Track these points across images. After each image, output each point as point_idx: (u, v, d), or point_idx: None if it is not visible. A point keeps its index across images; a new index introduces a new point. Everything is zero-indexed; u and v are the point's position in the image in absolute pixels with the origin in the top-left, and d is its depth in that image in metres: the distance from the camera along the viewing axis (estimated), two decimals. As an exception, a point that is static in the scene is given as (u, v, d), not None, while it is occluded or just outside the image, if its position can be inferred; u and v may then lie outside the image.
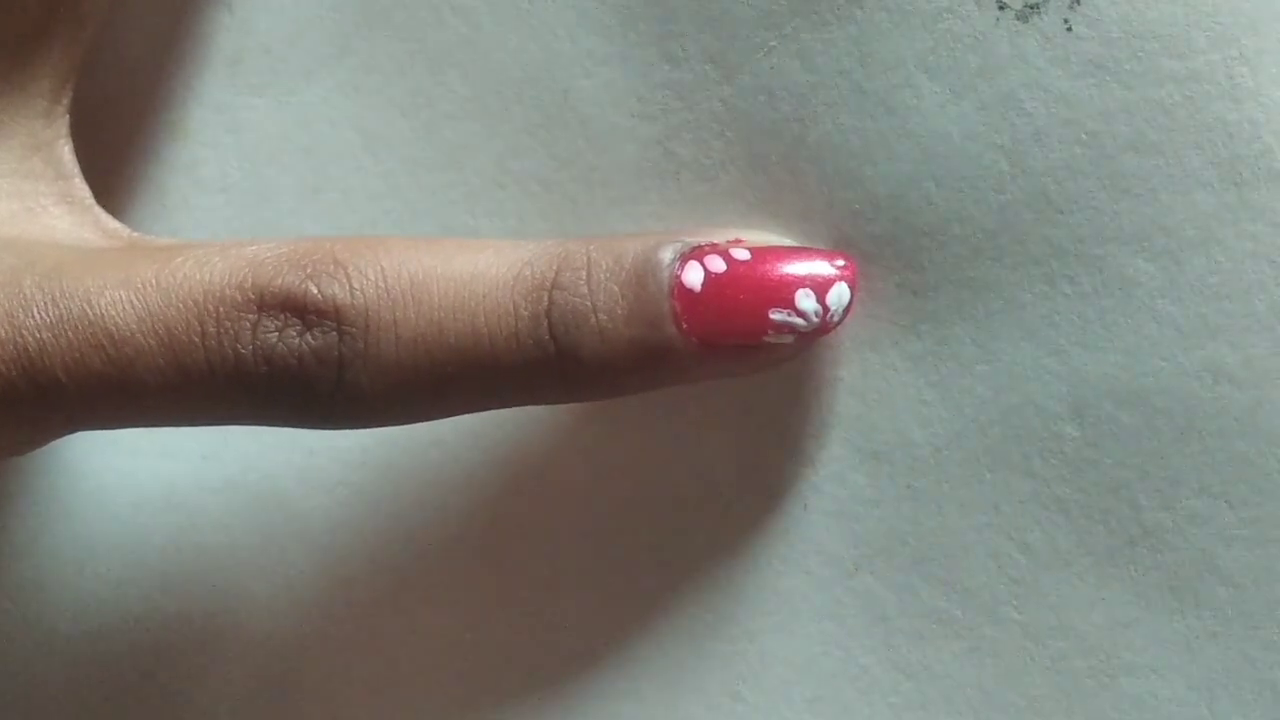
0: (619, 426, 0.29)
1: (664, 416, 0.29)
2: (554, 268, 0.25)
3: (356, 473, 0.31)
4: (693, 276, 0.25)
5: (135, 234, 0.27)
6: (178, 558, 0.32)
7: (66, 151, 0.27)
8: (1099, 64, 0.25)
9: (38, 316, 0.24)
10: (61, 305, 0.24)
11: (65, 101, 0.27)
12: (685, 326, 0.25)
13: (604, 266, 0.25)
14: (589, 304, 0.25)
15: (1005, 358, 0.26)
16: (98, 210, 0.27)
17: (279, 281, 0.25)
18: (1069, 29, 0.25)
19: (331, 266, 0.25)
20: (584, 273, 0.25)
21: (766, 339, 0.25)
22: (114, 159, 0.30)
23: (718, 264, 0.25)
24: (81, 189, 0.27)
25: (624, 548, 0.29)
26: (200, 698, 0.33)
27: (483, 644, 0.31)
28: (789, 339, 0.25)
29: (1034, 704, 0.26)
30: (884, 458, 0.27)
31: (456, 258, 0.25)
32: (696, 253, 0.25)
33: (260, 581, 0.32)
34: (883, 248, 0.26)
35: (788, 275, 0.25)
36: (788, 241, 0.27)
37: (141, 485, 0.31)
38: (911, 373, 0.27)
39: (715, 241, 0.26)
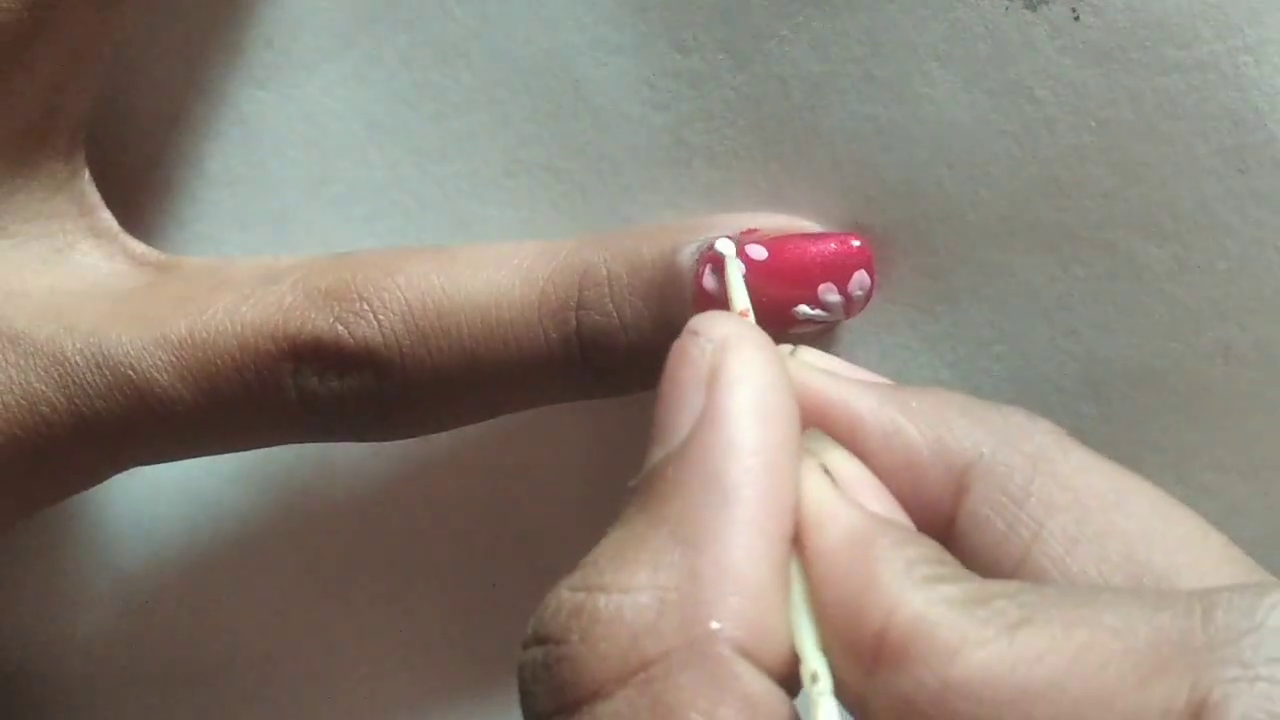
0: (632, 409, 0.30)
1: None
2: (575, 284, 0.26)
3: (372, 461, 0.31)
4: (713, 281, 0.25)
5: (163, 256, 0.28)
6: (193, 546, 0.32)
7: (88, 185, 0.28)
8: (1106, 53, 0.25)
9: (88, 386, 0.25)
10: (107, 372, 0.25)
11: (81, 137, 0.27)
12: None
13: (624, 280, 0.26)
14: (616, 322, 0.26)
15: (1020, 338, 0.27)
16: (125, 238, 0.28)
17: (309, 328, 0.25)
18: (1076, 18, 0.26)
19: (357, 304, 0.26)
20: (606, 289, 0.26)
21: (791, 331, 0.26)
22: (120, 155, 0.29)
23: None
24: (107, 220, 0.28)
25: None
26: (216, 683, 0.33)
27: (501, 628, 0.31)
28: (814, 329, 0.26)
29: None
30: (902, 436, 0.28)
31: (476, 279, 0.26)
32: (714, 254, 0.26)
33: (277, 569, 0.32)
34: (897, 233, 0.27)
35: (808, 271, 0.26)
36: (802, 224, 0.27)
37: (157, 476, 0.31)
38: (928, 354, 0.27)
39: (730, 236, 0.26)
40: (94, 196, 0.28)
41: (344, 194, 0.30)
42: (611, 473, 0.30)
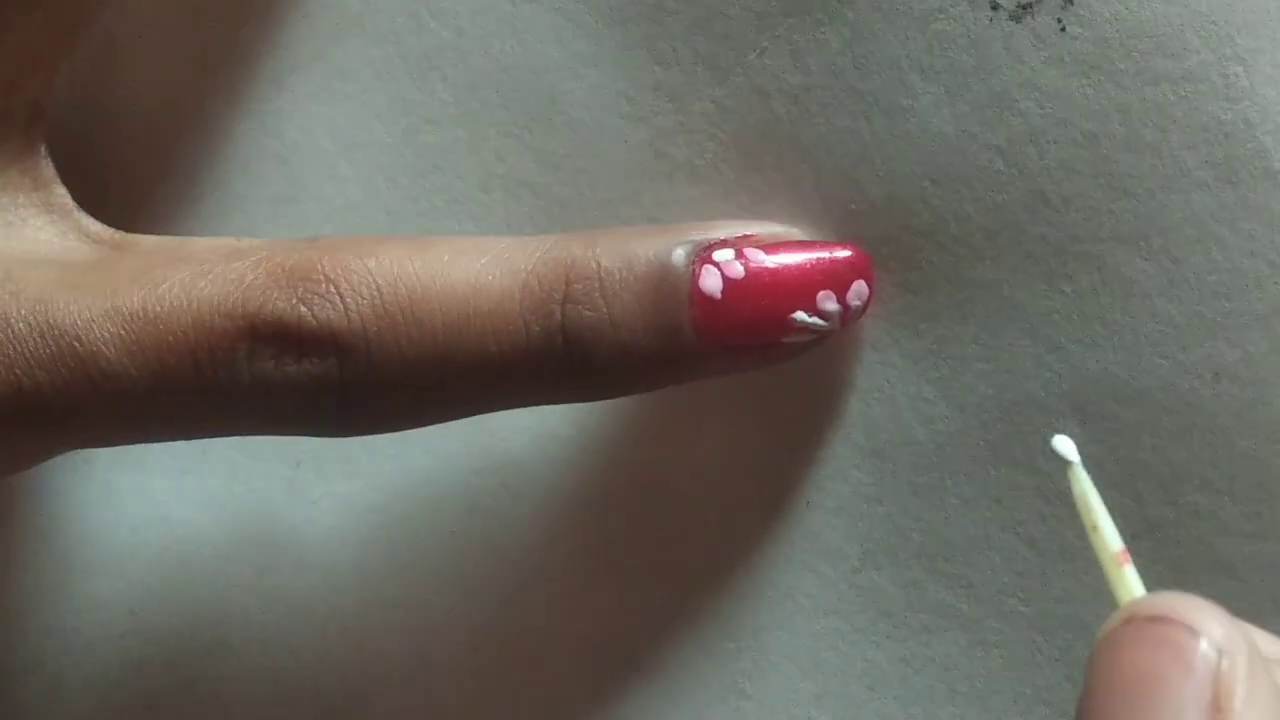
0: (617, 425, 0.29)
1: (663, 415, 0.29)
2: (562, 278, 0.25)
3: (342, 483, 0.30)
4: (711, 283, 0.25)
5: (119, 234, 0.27)
6: (162, 573, 0.32)
7: (44, 161, 0.27)
8: (1093, 64, 0.25)
9: (30, 354, 0.24)
10: (51, 341, 0.24)
11: (43, 113, 0.26)
12: (704, 332, 0.25)
13: (616, 276, 0.25)
14: (606, 319, 0.24)
15: (1005, 355, 0.26)
16: (79, 214, 0.27)
17: (270, 308, 0.24)
18: (1062, 29, 0.25)
19: (323, 286, 0.24)
20: (596, 284, 0.25)
21: (786, 340, 0.25)
22: (85, 169, 0.29)
23: (736, 269, 0.25)
24: (61, 195, 0.27)
25: (626, 547, 0.29)
26: (188, 709, 0.33)
27: (479, 646, 0.31)
28: (809, 338, 0.25)
29: (1041, 695, 0.27)
30: (886, 455, 0.27)
31: (453, 267, 0.25)
32: (709, 254, 0.25)
33: (246, 593, 0.31)
34: (881, 248, 0.26)
35: (808, 278, 0.25)
36: (793, 232, 0.27)
37: (123, 502, 0.31)
38: (912, 371, 0.27)
39: (724, 237, 0.25)
40: (49, 171, 0.26)
41: (313, 211, 0.29)
42: (610, 477, 0.29)
